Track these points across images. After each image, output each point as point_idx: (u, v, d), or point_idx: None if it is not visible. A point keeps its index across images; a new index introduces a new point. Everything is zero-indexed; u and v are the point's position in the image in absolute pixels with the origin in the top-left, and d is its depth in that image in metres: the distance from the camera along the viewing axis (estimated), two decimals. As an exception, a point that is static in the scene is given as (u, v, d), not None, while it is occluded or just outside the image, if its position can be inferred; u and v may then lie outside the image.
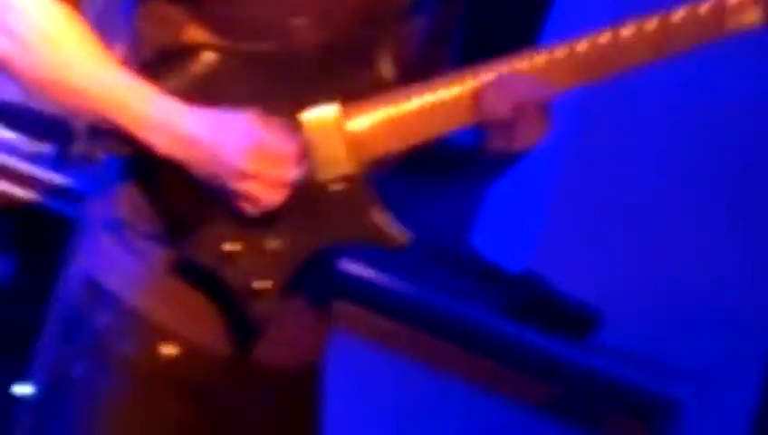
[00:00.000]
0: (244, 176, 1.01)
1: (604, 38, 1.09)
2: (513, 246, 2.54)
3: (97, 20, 1.16)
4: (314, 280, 1.16)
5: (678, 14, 1.11)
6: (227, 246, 1.07)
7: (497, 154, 1.10)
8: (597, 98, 2.30)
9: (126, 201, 1.11)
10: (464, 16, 1.29)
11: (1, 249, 2.01)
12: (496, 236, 2.57)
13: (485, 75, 1.07)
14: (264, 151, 1.01)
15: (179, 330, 1.12)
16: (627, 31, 1.10)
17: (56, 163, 2.09)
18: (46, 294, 1.29)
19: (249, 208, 1.03)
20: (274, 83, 1.08)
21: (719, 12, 1.12)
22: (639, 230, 2.57)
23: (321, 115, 1.05)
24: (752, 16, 1.13)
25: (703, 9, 1.11)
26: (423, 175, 1.28)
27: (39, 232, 1.92)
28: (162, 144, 1.03)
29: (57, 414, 1.18)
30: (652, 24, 1.11)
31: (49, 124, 2.04)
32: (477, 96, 1.06)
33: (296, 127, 1.05)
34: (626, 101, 2.50)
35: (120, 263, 1.14)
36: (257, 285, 1.05)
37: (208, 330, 1.13)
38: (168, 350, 1.13)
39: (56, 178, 2.04)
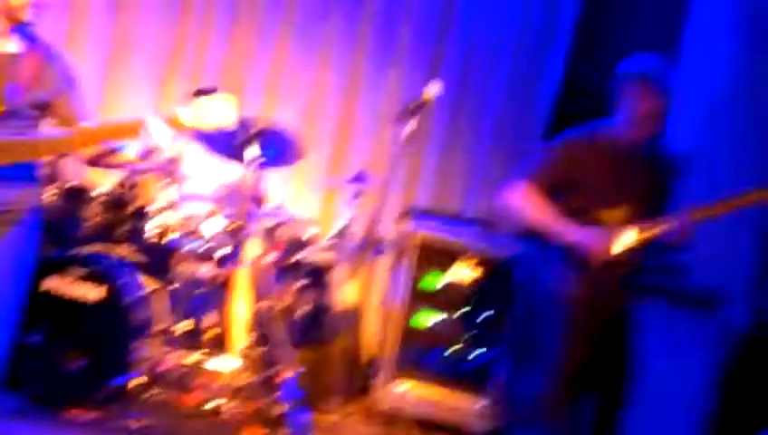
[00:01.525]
0: (593, 253, 3.41)
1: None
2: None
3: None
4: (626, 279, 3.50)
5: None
6: (600, 263, 3.44)
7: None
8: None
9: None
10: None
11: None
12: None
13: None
14: (600, 246, 3.42)
15: (580, 297, 3.40)
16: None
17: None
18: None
19: (592, 260, 3.40)
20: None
21: None
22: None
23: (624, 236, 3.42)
24: None
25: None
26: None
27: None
28: (567, 239, 3.46)
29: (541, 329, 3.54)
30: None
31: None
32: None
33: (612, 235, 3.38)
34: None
35: (557, 276, 3.46)
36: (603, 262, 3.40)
37: (587, 292, 3.41)
38: (578, 300, 3.40)
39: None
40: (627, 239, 3.42)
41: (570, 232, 3.41)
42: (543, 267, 3.51)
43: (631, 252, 3.42)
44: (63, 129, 3.17)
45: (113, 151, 3.64)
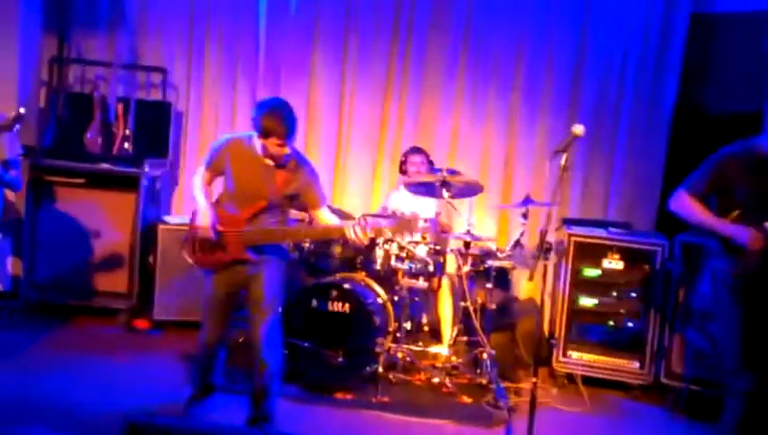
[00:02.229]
0: (746, 243, 3.45)
1: None
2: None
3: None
4: None
5: None
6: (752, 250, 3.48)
7: None
8: None
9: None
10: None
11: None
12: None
13: None
14: (751, 238, 3.45)
15: (741, 274, 3.50)
16: None
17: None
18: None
19: (746, 249, 3.47)
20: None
21: None
22: None
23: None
24: None
25: None
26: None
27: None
28: (724, 234, 3.54)
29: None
30: None
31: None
32: None
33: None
34: None
35: (723, 260, 3.57)
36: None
37: (744, 271, 3.48)
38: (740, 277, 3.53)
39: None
40: None
41: (726, 228, 3.59)
42: (714, 255, 3.68)
43: None
44: (310, 212, 3.87)
45: None
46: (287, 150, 3.64)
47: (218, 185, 3.96)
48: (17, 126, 3.96)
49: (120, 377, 4.48)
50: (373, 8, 5.93)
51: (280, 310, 3.90)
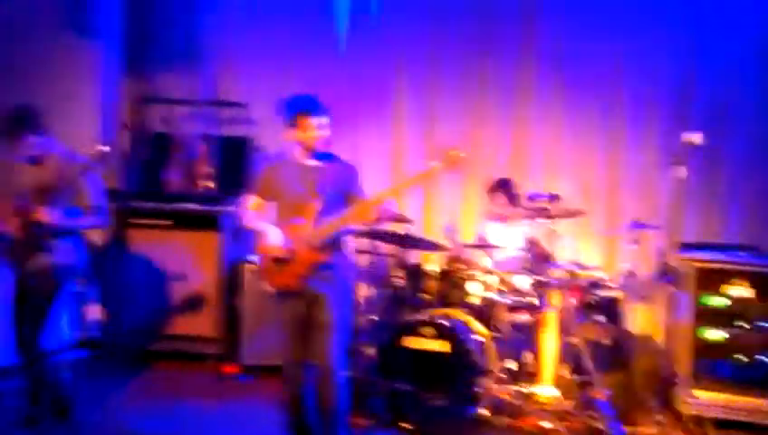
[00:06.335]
0: None
1: None
2: None
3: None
4: None
5: None
6: None
7: None
8: None
9: None
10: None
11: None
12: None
13: None
14: None
15: None
16: None
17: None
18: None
19: None
20: None
21: None
22: None
23: None
24: None
25: None
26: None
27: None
28: None
29: None
30: None
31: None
32: None
33: None
34: None
35: None
36: None
37: None
38: None
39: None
40: None
41: None
42: None
43: None
44: (355, 205, 3.79)
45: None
46: (324, 131, 3.75)
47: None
48: (99, 166, 3.89)
49: (211, 425, 4.41)
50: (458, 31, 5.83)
51: (348, 334, 3.83)
